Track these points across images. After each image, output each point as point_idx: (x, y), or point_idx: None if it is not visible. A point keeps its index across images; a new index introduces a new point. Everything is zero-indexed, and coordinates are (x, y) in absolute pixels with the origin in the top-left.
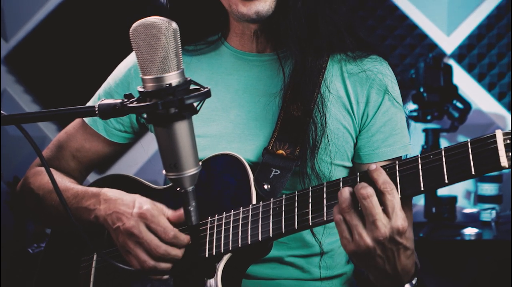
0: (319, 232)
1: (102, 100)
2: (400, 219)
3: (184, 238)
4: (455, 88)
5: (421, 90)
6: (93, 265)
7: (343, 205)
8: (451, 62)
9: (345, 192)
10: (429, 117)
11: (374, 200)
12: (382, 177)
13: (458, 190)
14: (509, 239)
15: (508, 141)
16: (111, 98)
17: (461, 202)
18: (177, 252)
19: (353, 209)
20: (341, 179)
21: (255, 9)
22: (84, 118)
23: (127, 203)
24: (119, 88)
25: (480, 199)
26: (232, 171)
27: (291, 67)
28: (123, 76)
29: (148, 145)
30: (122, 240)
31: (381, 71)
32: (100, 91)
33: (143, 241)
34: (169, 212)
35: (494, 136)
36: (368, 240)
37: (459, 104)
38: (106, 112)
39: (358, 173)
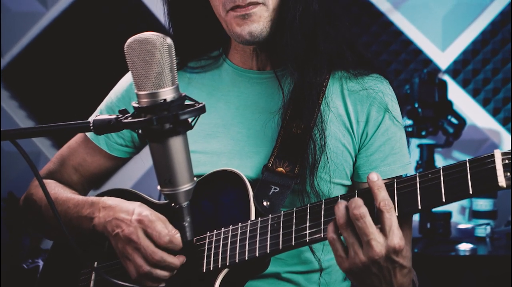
0: (318, 249)
1: (97, 116)
2: (396, 238)
3: (180, 243)
4: (449, 103)
5: (416, 105)
6: (92, 278)
7: (340, 221)
8: (446, 77)
9: (342, 207)
10: (423, 133)
11: (368, 220)
12: (382, 195)
13: (453, 205)
14: (504, 254)
15: (507, 161)
16: (113, 113)
17: (455, 217)
18: (174, 260)
19: (350, 227)
20: (339, 197)
21: (248, 29)
22: (86, 133)
23: (126, 210)
24: (120, 103)
25: (475, 214)
26: (232, 187)
27: (292, 84)
28: (125, 90)
29: (146, 158)
30: (121, 246)
31: (382, 90)
32: (102, 105)
33: (141, 247)
34: (170, 226)
35: (493, 155)
36: (363, 258)
37: (453, 120)
38: (101, 127)
39: (356, 191)
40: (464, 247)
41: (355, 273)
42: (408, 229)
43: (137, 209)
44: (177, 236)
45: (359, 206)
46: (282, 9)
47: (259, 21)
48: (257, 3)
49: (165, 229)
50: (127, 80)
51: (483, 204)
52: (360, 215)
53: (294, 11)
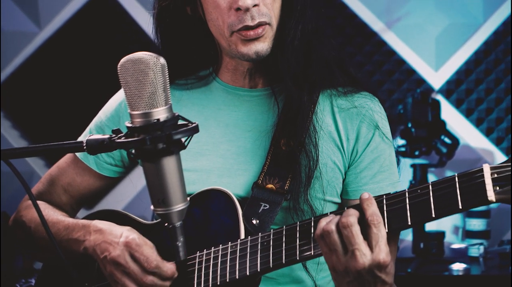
0: (313, 268)
1: (90, 136)
2: (383, 253)
3: (168, 269)
4: (443, 123)
5: (409, 125)
6: None
7: (327, 227)
8: (439, 97)
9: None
10: (417, 153)
11: (355, 229)
12: (371, 209)
13: (446, 225)
14: (497, 274)
15: (496, 175)
16: (102, 133)
17: (449, 237)
18: (164, 284)
19: (337, 234)
20: (329, 214)
21: (255, 49)
22: (76, 153)
23: (115, 233)
24: (110, 123)
25: (468, 234)
26: (221, 206)
27: (283, 102)
28: (114, 110)
29: (137, 180)
30: (109, 269)
31: (371, 108)
32: (91, 125)
33: (130, 271)
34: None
35: (482, 170)
36: (346, 265)
37: (447, 140)
38: (94, 147)
39: (346, 207)
40: (458, 267)
41: (337, 273)
42: (394, 245)
43: (125, 233)
44: (165, 263)
45: (348, 215)
46: (283, 28)
47: (265, 41)
48: (265, 23)
49: (153, 254)
50: (116, 99)
51: (476, 224)
52: (347, 224)
53: (295, 30)
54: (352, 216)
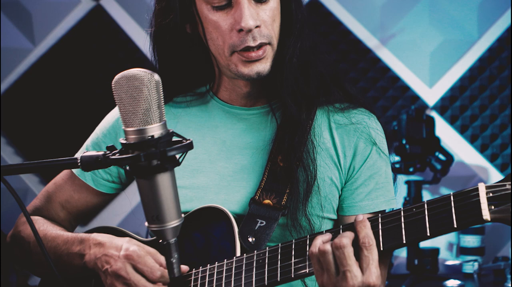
0: (311, 284)
1: (84, 152)
2: (373, 276)
3: None
4: (437, 140)
5: (404, 142)
6: None
7: (322, 247)
8: (434, 114)
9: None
10: (411, 169)
11: (347, 251)
12: (364, 231)
13: (441, 242)
14: None
15: (491, 195)
16: (99, 149)
17: (443, 254)
18: None
19: (332, 255)
20: (324, 232)
21: (256, 70)
22: (72, 169)
23: (115, 246)
24: (107, 139)
25: (463, 251)
26: (217, 224)
27: (280, 118)
28: (111, 126)
29: (133, 196)
30: (110, 282)
31: (369, 124)
32: (88, 141)
33: (131, 282)
34: (162, 258)
35: (477, 189)
36: (335, 285)
37: (441, 156)
38: (89, 164)
39: (341, 226)
40: (452, 283)
41: None
42: (384, 268)
43: (125, 245)
44: None
45: (341, 236)
46: (282, 46)
47: (267, 62)
48: (266, 44)
49: (156, 263)
50: (113, 115)
51: (470, 240)
52: (340, 245)
53: (294, 48)
54: (345, 238)
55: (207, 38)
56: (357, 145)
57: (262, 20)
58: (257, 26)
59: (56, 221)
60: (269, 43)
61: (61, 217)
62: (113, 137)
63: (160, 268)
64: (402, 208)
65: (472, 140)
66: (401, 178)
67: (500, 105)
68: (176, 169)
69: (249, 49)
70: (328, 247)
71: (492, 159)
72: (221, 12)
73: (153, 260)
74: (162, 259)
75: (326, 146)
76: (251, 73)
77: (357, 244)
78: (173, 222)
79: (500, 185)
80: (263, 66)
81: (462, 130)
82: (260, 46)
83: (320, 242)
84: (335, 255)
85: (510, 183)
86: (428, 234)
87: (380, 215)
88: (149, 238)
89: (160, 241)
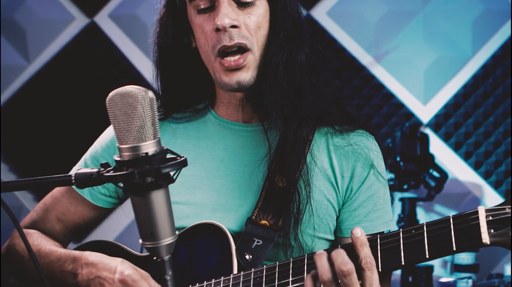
0: None
1: (79, 169)
2: None
3: None
4: (431, 157)
5: (398, 159)
6: None
7: (324, 277)
8: (428, 131)
9: (324, 261)
10: (405, 186)
11: (354, 277)
12: (364, 251)
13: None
14: None
15: (491, 218)
16: (97, 162)
17: (437, 271)
18: None
19: (335, 283)
20: (323, 251)
21: (236, 79)
22: None
23: (109, 268)
24: (105, 153)
25: (457, 268)
26: (214, 241)
27: (278, 138)
28: (110, 141)
29: (130, 211)
30: None
31: (367, 146)
32: (87, 155)
33: None
34: (152, 282)
35: (477, 212)
36: None
37: (435, 173)
38: (83, 181)
39: (339, 246)
40: None
41: None
42: (386, 285)
43: (119, 267)
44: None
45: (346, 262)
46: (266, 56)
47: (248, 71)
48: (245, 46)
49: None
50: (112, 130)
51: (464, 257)
52: (348, 272)
53: (278, 57)
54: (349, 263)
55: (198, 47)
56: (355, 167)
57: (243, 22)
58: (234, 26)
59: (51, 234)
60: (249, 49)
61: (57, 230)
62: (112, 151)
63: None
64: (401, 229)
65: (466, 157)
66: (395, 195)
67: (494, 122)
68: (174, 185)
69: (226, 51)
70: (329, 275)
71: (486, 176)
72: (205, 15)
73: (148, 285)
74: (155, 284)
75: (324, 167)
76: (232, 82)
77: (356, 264)
78: (167, 239)
79: (499, 208)
80: (244, 76)
81: (456, 147)
82: (239, 51)
83: (321, 271)
84: (341, 283)
85: (510, 206)
86: (427, 256)
87: (379, 236)
88: (144, 253)
89: (154, 258)
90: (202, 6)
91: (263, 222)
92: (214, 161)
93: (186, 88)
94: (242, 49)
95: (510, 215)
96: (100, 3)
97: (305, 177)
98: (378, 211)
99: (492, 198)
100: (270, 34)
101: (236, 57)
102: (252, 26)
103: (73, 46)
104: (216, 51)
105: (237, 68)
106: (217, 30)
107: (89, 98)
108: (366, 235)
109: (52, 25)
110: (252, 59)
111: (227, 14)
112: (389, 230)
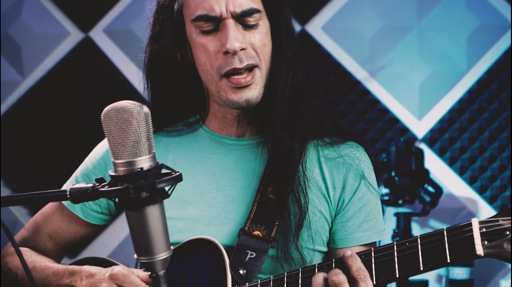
0: None
1: (73, 184)
2: None
3: None
4: (426, 172)
5: (393, 174)
6: None
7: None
8: (423, 146)
9: (319, 278)
10: (400, 201)
11: None
12: (356, 264)
13: (430, 274)
14: None
15: (484, 230)
16: (89, 180)
17: (432, 286)
18: None
19: None
20: (316, 265)
21: (245, 97)
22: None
23: (103, 273)
24: (96, 170)
25: (452, 283)
26: (207, 257)
27: (271, 150)
28: (101, 157)
29: (121, 229)
30: None
31: (358, 157)
32: (77, 172)
33: None
34: (141, 273)
35: (470, 224)
36: None
37: (430, 188)
38: (78, 196)
39: (333, 259)
40: None
41: None
42: None
43: (109, 268)
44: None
45: (338, 273)
46: (273, 74)
47: (256, 88)
48: (253, 66)
49: (141, 282)
50: (103, 146)
51: (460, 272)
52: (338, 282)
53: (286, 77)
54: (341, 275)
55: (197, 64)
56: (346, 178)
57: (250, 42)
58: (243, 49)
59: (43, 252)
60: (257, 66)
61: (48, 247)
62: (103, 168)
63: (146, 286)
64: (395, 242)
65: (461, 172)
66: (390, 210)
67: (490, 137)
68: (166, 200)
69: (236, 72)
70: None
71: (481, 191)
72: (209, 36)
73: (138, 278)
74: (146, 275)
75: (316, 179)
76: (240, 100)
77: (349, 278)
78: (162, 254)
79: (493, 220)
80: (252, 93)
81: (451, 162)
82: (247, 69)
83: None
84: None
85: (503, 218)
86: (421, 269)
87: (373, 249)
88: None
89: (149, 273)
90: (206, 28)
91: (256, 232)
92: (206, 175)
93: (177, 101)
94: (250, 68)
95: (503, 226)
96: (95, 18)
97: (300, 188)
98: (371, 221)
99: (487, 213)
100: (274, 50)
101: (244, 74)
102: (258, 44)
103: (68, 61)
104: (223, 72)
105: (246, 86)
106: (226, 52)
107: (84, 113)
108: (360, 245)
109: (47, 40)
110: (259, 76)
111: (236, 37)
112: (382, 240)
